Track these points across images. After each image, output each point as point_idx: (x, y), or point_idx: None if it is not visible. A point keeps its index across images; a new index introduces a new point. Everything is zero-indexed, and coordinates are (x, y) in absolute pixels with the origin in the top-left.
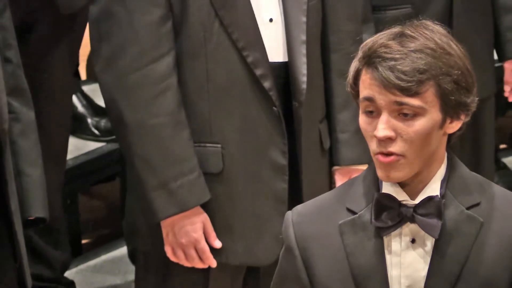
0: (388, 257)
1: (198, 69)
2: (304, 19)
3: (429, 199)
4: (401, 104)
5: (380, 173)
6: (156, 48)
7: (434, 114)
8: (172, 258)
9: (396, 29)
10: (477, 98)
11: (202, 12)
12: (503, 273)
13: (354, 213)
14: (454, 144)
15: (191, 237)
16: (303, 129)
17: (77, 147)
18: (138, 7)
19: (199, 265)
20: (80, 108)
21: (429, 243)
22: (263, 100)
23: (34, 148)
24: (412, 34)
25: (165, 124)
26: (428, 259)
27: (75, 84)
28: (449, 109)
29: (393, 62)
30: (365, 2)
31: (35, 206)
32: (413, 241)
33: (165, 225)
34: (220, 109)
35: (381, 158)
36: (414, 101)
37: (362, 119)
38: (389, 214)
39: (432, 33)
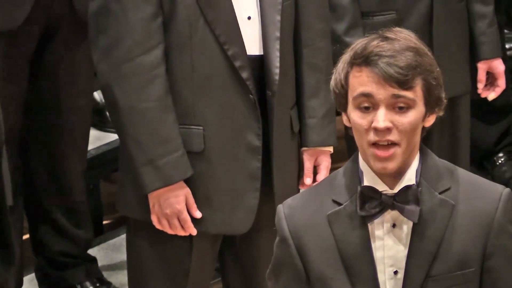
0: (372, 242)
1: (184, 60)
2: (278, 17)
3: (407, 188)
4: (398, 97)
5: (377, 165)
6: (147, 41)
7: (420, 107)
8: (158, 226)
9: (375, 35)
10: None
11: (188, 10)
12: (475, 250)
13: (339, 204)
14: (432, 136)
15: (175, 208)
16: (275, 115)
17: (99, 138)
18: (132, 4)
19: (181, 233)
20: (100, 103)
21: (407, 226)
22: (241, 88)
23: None
24: (393, 36)
25: (153, 108)
26: (407, 240)
27: (96, 82)
28: (431, 103)
29: (390, 59)
30: (354, 9)
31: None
32: (393, 226)
33: (152, 197)
34: (203, 96)
35: (380, 152)
36: (409, 94)
37: (357, 115)
38: (372, 204)
39: (408, 36)
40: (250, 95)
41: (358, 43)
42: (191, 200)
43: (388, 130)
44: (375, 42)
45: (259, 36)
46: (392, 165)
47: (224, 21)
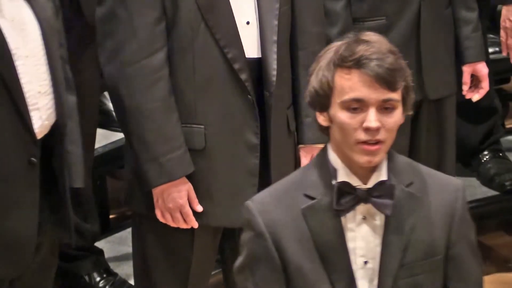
0: (345, 233)
1: (186, 63)
2: (275, 22)
3: (381, 183)
4: (386, 100)
5: (363, 159)
6: (151, 45)
7: (400, 108)
8: (161, 220)
9: (350, 38)
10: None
11: (190, 15)
12: (440, 238)
13: (313, 198)
14: (420, 135)
15: (177, 202)
16: (272, 115)
17: (105, 137)
18: (137, 9)
19: (184, 226)
20: (107, 104)
21: (379, 218)
22: (240, 89)
23: (76, 128)
24: (370, 39)
25: (157, 108)
26: (378, 231)
27: (103, 84)
28: (406, 103)
29: (380, 62)
30: (346, 15)
31: (75, 179)
32: (364, 218)
33: (156, 192)
34: (204, 96)
35: (368, 147)
36: (395, 96)
37: (345, 115)
38: (347, 198)
39: (380, 38)
40: (249, 96)
41: (340, 46)
42: (193, 195)
43: (377, 129)
44: (361, 46)
45: (258, 39)
46: (377, 159)
47: (224, 25)
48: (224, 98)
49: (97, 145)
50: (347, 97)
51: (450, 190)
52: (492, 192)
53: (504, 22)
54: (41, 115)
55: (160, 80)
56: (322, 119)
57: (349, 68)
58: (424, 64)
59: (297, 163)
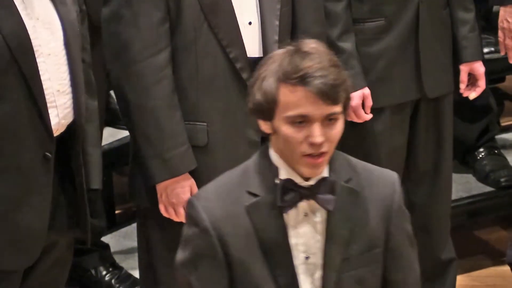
0: (287, 230)
1: (189, 62)
2: (277, 22)
3: (323, 179)
4: (331, 114)
5: (307, 172)
6: (155, 45)
7: (342, 117)
8: (165, 214)
9: (291, 50)
10: None
11: (193, 16)
12: (380, 231)
13: (256, 195)
14: (419, 132)
15: (180, 198)
16: None
17: (111, 135)
18: (142, 10)
19: None
20: (113, 103)
21: (319, 215)
22: (241, 88)
23: (96, 132)
24: (312, 51)
25: (161, 106)
26: (318, 227)
27: (109, 84)
28: (346, 110)
29: (323, 79)
30: (347, 16)
31: (93, 180)
32: (305, 215)
33: (160, 188)
34: (207, 94)
35: (312, 160)
36: (338, 109)
37: (290, 130)
38: (291, 195)
39: (318, 46)
40: None
41: (283, 59)
42: (195, 190)
43: (322, 143)
44: (304, 61)
45: (259, 39)
46: (320, 170)
47: (226, 26)
48: (226, 97)
49: (103, 143)
50: (291, 113)
51: (386, 184)
52: (487, 188)
53: (502, 22)
54: (58, 113)
55: (164, 78)
56: (265, 127)
57: (293, 85)
58: (423, 63)
59: None
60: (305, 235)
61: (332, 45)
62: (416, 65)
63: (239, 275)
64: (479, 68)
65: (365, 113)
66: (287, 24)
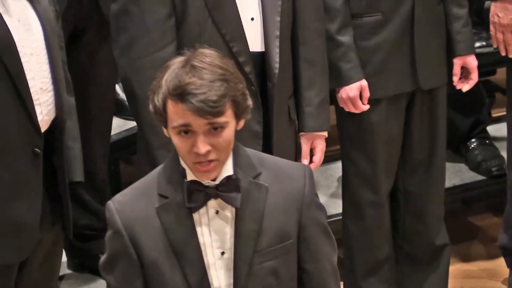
0: (199, 229)
1: None
2: (278, 18)
3: (228, 178)
4: (213, 124)
5: (200, 177)
6: (162, 39)
7: (232, 122)
8: None
9: (183, 62)
10: None
11: (198, 12)
12: (291, 223)
13: (166, 197)
14: (413, 123)
15: None
16: (275, 104)
17: (119, 125)
18: (149, 7)
19: None
20: (121, 94)
21: (230, 211)
22: (244, 81)
23: (75, 126)
24: (200, 65)
25: None
26: (231, 223)
27: (117, 76)
28: (240, 114)
29: (202, 96)
30: (345, 11)
31: (76, 173)
32: (217, 212)
33: None
34: None
35: (202, 168)
36: (222, 119)
37: (178, 139)
38: (197, 195)
39: (212, 59)
40: (252, 87)
41: (169, 74)
42: None
43: (208, 152)
44: (184, 77)
45: (261, 34)
46: (213, 175)
47: (229, 21)
48: None
49: (112, 133)
50: (175, 123)
51: (297, 177)
52: (479, 177)
53: (492, 17)
54: (42, 111)
55: None
56: (166, 133)
57: (175, 101)
58: (418, 57)
59: (297, 150)
60: (219, 231)
61: (331, 39)
62: (411, 58)
63: (151, 275)
64: (472, 61)
65: (363, 104)
66: (288, 20)
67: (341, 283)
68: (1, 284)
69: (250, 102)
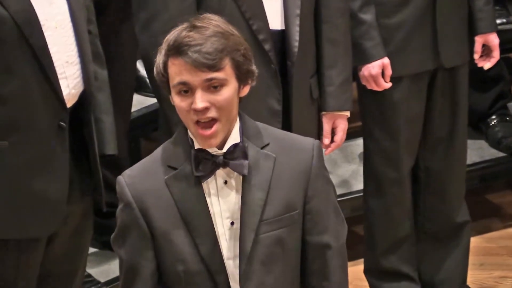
0: (208, 199)
1: None
2: None
3: (234, 146)
4: (210, 80)
5: (203, 144)
6: (181, 16)
7: (233, 83)
8: None
9: (186, 24)
10: None
11: None
12: (298, 194)
13: (175, 169)
14: (435, 100)
15: None
16: (294, 83)
17: (140, 102)
18: None
19: None
20: (142, 71)
21: (238, 180)
22: (263, 59)
23: (107, 100)
24: (202, 25)
25: None
26: (239, 193)
27: (139, 53)
28: (242, 77)
29: (198, 47)
30: None
31: (108, 146)
32: (225, 182)
33: None
34: None
35: (203, 131)
36: (220, 75)
37: (178, 99)
38: (205, 164)
39: (215, 21)
40: (272, 65)
41: (171, 36)
42: None
43: (206, 109)
44: (184, 33)
45: (281, 12)
46: (215, 141)
47: None
48: None
49: (132, 109)
50: (174, 82)
51: (305, 149)
52: (499, 154)
53: None
54: (69, 84)
55: None
56: (172, 101)
57: (174, 56)
58: (439, 35)
59: (320, 129)
60: (228, 201)
61: (353, 17)
62: (433, 36)
63: (162, 246)
64: (494, 39)
65: (385, 82)
66: None
67: (362, 260)
68: (29, 258)
69: (254, 67)
